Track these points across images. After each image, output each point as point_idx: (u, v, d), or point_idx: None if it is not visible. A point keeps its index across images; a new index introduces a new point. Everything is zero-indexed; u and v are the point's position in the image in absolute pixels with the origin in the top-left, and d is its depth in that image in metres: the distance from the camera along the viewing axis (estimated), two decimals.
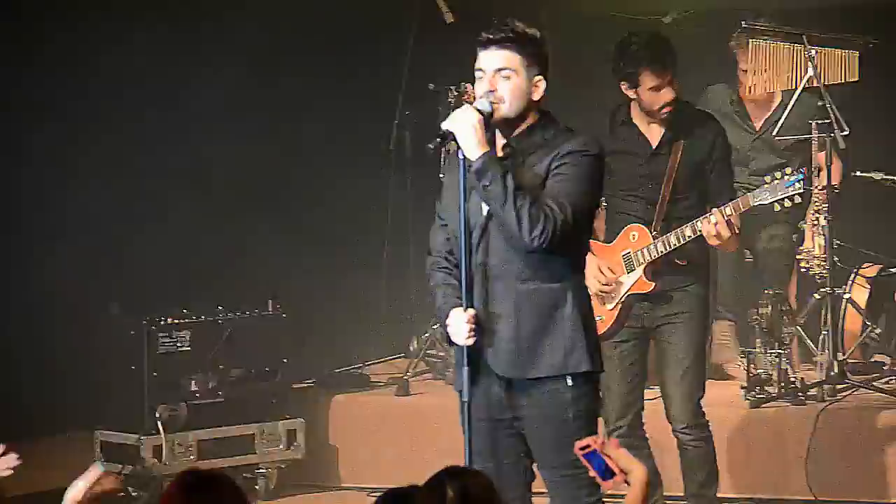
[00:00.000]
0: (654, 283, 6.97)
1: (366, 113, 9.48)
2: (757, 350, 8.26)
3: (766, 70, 8.55)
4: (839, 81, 8.52)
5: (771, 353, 8.20)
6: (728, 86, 8.82)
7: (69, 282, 8.80)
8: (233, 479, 3.87)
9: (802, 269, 8.46)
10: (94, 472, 4.52)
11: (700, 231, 6.90)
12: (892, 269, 8.49)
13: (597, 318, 6.82)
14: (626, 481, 4.33)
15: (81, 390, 8.52)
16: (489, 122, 5.65)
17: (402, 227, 9.16)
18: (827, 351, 8.23)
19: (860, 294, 8.56)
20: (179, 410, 8.26)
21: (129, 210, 9.02)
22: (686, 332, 7.06)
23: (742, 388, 8.23)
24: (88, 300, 8.66)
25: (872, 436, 7.94)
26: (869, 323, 8.56)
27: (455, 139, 5.63)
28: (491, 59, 5.67)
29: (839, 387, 8.17)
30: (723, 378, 8.67)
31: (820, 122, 8.21)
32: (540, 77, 5.69)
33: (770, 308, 8.28)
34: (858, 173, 8.40)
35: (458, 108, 5.74)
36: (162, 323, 8.28)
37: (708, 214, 6.90)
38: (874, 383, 8.31)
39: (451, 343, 5.76)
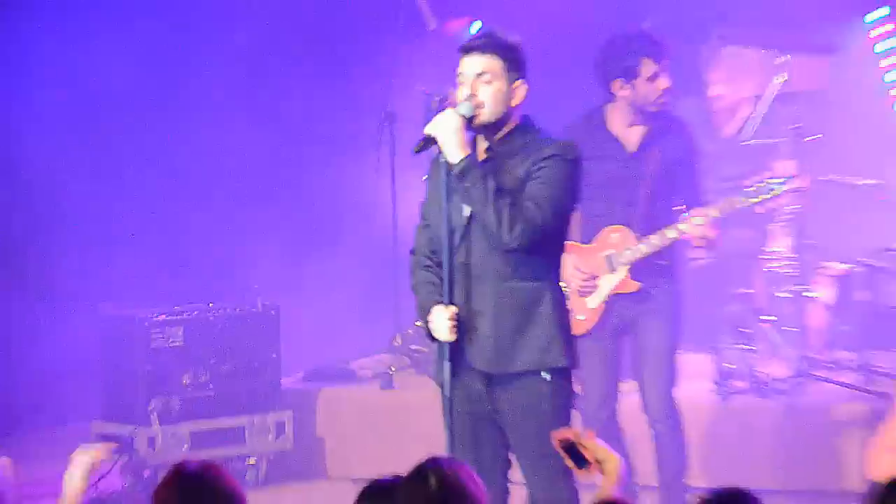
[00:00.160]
0: (640, 284, 6.96)
1: (355, 114, 9.46)
2: (726, 346, 8.26)
3: (737, 76, 8.55)
4: (809, 88, 8.52)
5: (740, 348, 8.22)
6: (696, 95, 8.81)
7: (66, 280, 8.77)
8: (226, 470, 3.84)
9: (770, 269, 8.46)
10: (83, 457, 4.47)
11: (683, 232, 6.90)
12: (855, 268, 8.48)
13: (580, 317, 6.90)
14: (600, 471, 4.32)
15: (79, 384, 8.49)
16: (470, 126, 5.64)
17: (387, 227, 9.14)
18: (793, 347, 8.24)
19: (825, 292, 8.56)
20: (172, 403, 8.24)
21: (126, 210, 8.99)
22: (662, 329, 7.07)
23: (711, 382, 8.22)
24: (85, 297, 8.63)
25: (836, 428, 7.94)
26: (833, 320, 8.56)
27: (438, 143, 5.62)
28: (472, 65, 5.66)
29: (804, 381, 8.17)
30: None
31: (790, 127, 8.21)
32: (519, 82, 5.68)
33: (738, 305, 8.29)
34: (825, 176, 8.39)
35: (440, 112, 5.71)
36: (155, 319, 8.25)
37: (691, 216, 6.90)
38: (837, 378, 8.30)
39: (433, 339, 5.75)
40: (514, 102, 5.68)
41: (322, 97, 9.37)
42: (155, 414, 8.17)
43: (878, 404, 7.86)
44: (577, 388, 5.88)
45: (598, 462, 4.29)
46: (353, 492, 4.08)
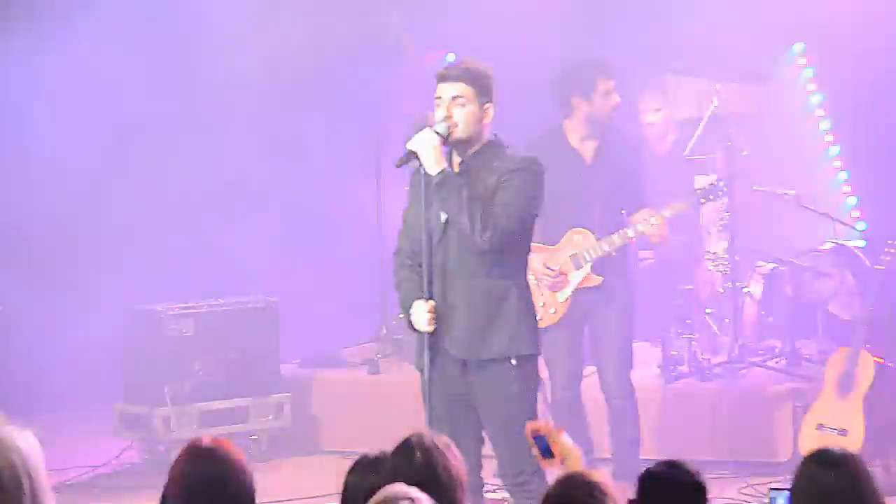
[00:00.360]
0: (601, 278, 6.96)
1: (347, 129, 9.41)
2: (671, 335, 8.24)
3: (672, 102, 8.57)
4: (740, 111, 8.52)
5: (683, 337, 8.19)
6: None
7: (93, 278, 8.71)
8: (234, 445, 3.81)
9: (709, 268, 8.43)
10: None
11: (641, 232, 6.92)
12: (783, 267, 8.46)
13: (552, 310, 6.91)
14: (562, 464, 4.24)
15: (102, 369, 8.43)
16: (446, 143, 5.62)
17: (374, 231, 9.10)
18: (729, 336, 8.22)
19: (757, 287, 8.53)
20: (185, 386, 8.19)
21: (146, 218, 8.92)
22: (618, 316, 7.07)
23: (658, 366, 8.19)
24: (109, 293, 8.57)
25: (766, 407, 7.92)
26: (763, 312, 8.54)
27: (418, 157, 5.60)
28: (447, 89, 5.65)
29: (739, 366, 8.14)
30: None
31: (723, 144, 8.20)
32: (489, 105, 5.68)
33: (682, 300, 8.28)
34: (756, 187, 8.37)
35: (420, 131, 5.69)
36: (170, 313, 8.20)
37: (647, 218, 6.90)
38: (767, 363, 8.28)
39: (414, 330, 5.72)
40: (484, 122, 5.70)
41: (318, 111, 9.31)
42: (169, 396, 8.12)
43: (803, 386, 7.84)
44: (542, 373, 5.86)
45: (563, 456, 4.23)
46: (344, 464, 4.03)
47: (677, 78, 8.74)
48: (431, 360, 5.62)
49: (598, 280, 6.98)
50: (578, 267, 6.99)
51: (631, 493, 3.59)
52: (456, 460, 3.90)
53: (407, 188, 5.96)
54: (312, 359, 9.05)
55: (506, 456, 5.69)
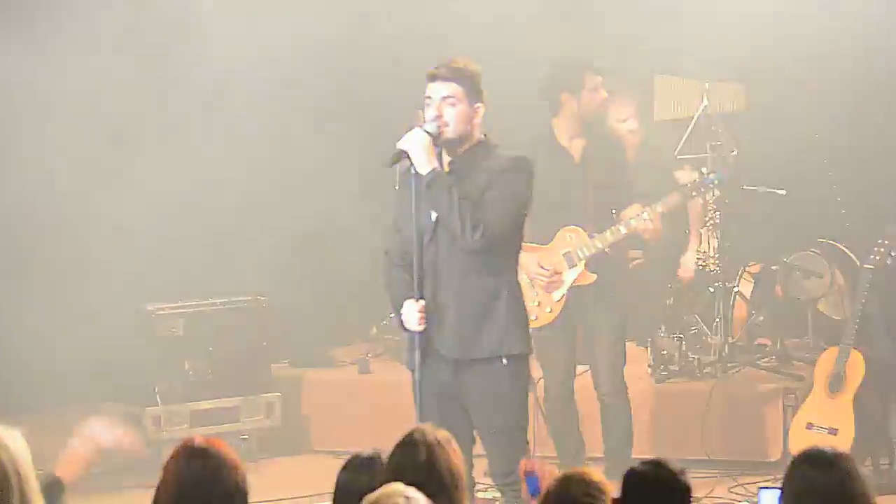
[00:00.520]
0: (595, 275, 6.96)
1: (340, 132, 9.41)
2: (662, 334, 8.24)
3: (671, 100, 8.55)
4: (729, 110, 8.52)
5: (673, 337, 8.20)
6: None
7: (84, 278, 8.70)
8: (226, 444, 3.81)
9: (699, 267, 8.43)
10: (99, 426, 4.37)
11: (633, 228, 6.91)
12: (773, 267, 8.47)
13: (548, 310, 6.91)
14: None
15: (93, 369, 8.42)
16: (437, 142, 5.62)
17: (365, 232, 9.10)
18: (719, 335, 8.23)
19: (746, 287, 8.54)
20: (175, 386, 8.18)
21: (135, 218, 8.91)
22: (611, 314, 7.06)
23: (649, 366, 8.20)
24: (100, 293, 8.56)
25: (756, 406, 7.92)
26: (753, 311, 8.55)
27: (408, 157, 5.59)
28: (438, 89, 5.66)
29: (729, 365, 8.15)
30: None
31: (713, 144, 8.20)
32: (479, 105, 5.68)
33: (672, 299, 8.28)
34: (746, 187, 8.38)
35: (410, 130, 5.68)
36: (160, 312, 8.19)
37: (639, 213, 6.90)
38: (757, 362, 8.29)
39: (404, 329, 5.72)
40: (474, 122, 5.69)
41: (308, 110, 9.30)
42: (159, 396, 8.11)
43: (793, 385, 7.85)
44: (533, 372, 5.86)
45: None
46: (335, 463, 4.03)
47: (666, 78, 8.74)
48: (422, 360, 5.61)
49: (592, 278, 6.98)
50: (572, 265, 6.99)
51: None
52: (457, 456, 3.92)
53: (397, 187, 5.96)
54: (303, 358, 9.04)
55: (496, 455, 5.69)
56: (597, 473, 3.60)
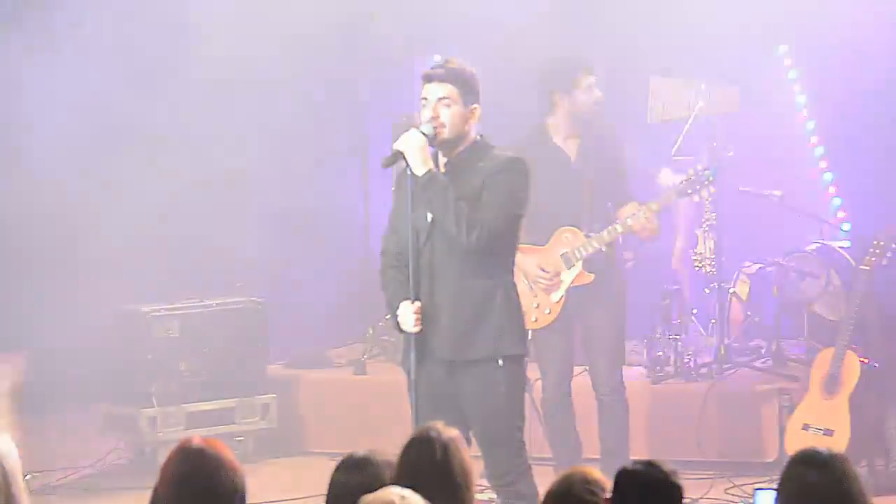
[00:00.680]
0: (593, 275, 6.96)
1: (334, 134, 9.41)
2: (657, 336, 8.24)
3: (665, 101, 8.56)
4: (724, 112, 8.53)
5: (669, 338, 8.20)
6: None
7: (79, 280, 8.70)
8: (224, 445, 3.82)
9: (695, 268, 8.44)
10: None
11: (630, 226, 6.91)
12: (768, 268, 8.47)
13: (547, 311, 6.91)
14: None
15: (89, 371, 8.42)
16: (432, 143, 5.62)
17: (361, 233, 9.09)
18: (715, 336, 8.23)
19: (743, 288, 8.54)
20: (171, 387, 8.18)
21: (129, 218, 8.90)
22: (610, 313, 7.06)
23: (644, 367, 8.20)
24: (95, 295, 8.56)
25: (752, 407, 7.92)
26: (749, 312, 8.55)
27: (404, 158, 5.59)
28: (434, 90, 5.65)
29: (725, 366, 8.15)
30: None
31: (709, 145, 8.21)
32: (475, 106, 5.68)
33: (669, 300, 8.28)
34: (742, 187, 8.38)
35: (406, 131, 5.69)
36: (155, 314, 8.19)
37: (636, 212, 6.90)
38: (753, 363, 8.30)
39: (400, 330, 5.72)
40: (470, 123, 5.68)
41: (304, 113, 9.30)
42: (156, 397, 8.10)
43: (789, 386, 7.85)
44: (529, 373, 5.86)
45: None
46: (330, 465, 4.03)
47: (663, 78, 8.74)
48: (418, 361, 5.61)
49: (590, 277, 6.97)
50: (570, 265, 6.98)
51: None
52: (467, 455, 3.93)
53: (393, 189, 5.96)
54: (299, 360, 9.04)
55: (493, 456, 5.69)
56: (597, 472, 3.63)
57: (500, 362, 5.63)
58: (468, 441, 5.73)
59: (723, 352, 8.14)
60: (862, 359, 7.30)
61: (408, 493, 3.53)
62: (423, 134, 5.59)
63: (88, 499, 7.80)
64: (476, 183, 5.62)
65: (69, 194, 8.78)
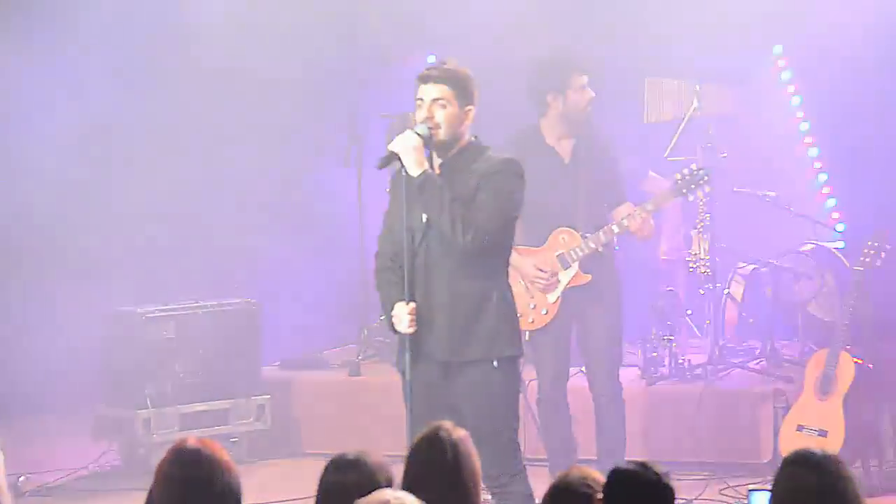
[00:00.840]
0: (590, 276, 6.96)
1: (329, 135, 9.41)
2: (652, 336, 8.25)
3: (660, 101, 8.57)
4: (719, 112, 8.55)
5: (664, 338, 8.20)
6: None
7: (74, 282, 8.70)
8: (219, 445, 3.82)
9: (690, 269, 8.45)
10: None
11: (626, 227, 6.91)
12: (763, 268, 8.48)
13: (544, 311, 6.91)
14: None
15: (83, 372, 8.42)
16: (427, 144, 5.62)
17: (355, 233, 9.10)
18: (710, 337, 8.24)
19: (737, 289, 8.56)
20: (165, 389, 8.17)
21: (122, 221, 8.91)
22: (606, 314, 7.06)
23: (639, 369, 8.20)
24: (90, 297, 8.56)
25: (746, 408, 7.93)
26: (744, 313, 8.56)
27: (399, 159, 5.59)
28: (429, 91, 5.65)
29: (719, 367, 8.16)
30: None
31: (704, 146, 8.22)
32: (470, 107, 5.68)
33: (663, 301, 8.29)
34: (737, 188, 8.40)
35: (401, 132, 5.69)
36: (150, 315, 8.19)
37: (631, 212, 6.91)
38: (748, 364, 8.30)
39: (395, 331, 5.71)
40: (465, 124, 5.68)
41: (299, 114, 9.31)
42: (150, 398, 8.10)
43: (784, 387, 7.86)
44: (524, 374, 5.85)
45: None
46: (324, 466, 4.03)
47: (658, 79, 8.76)
48: (413, 362, 5.61)
49: (586, 278, 6.98)
50: (566, 266, 6.99)
51: None
52: (475, 455, 3.93)
53: (388, 190, 5.96)
54: (293, 361, 9.04)
55: (487, 457, 5.63)
56: (595, 472, 3.68)
57: (495, 363, 5.63)
58: None
59: (717, 353, 8.15)
60: (856, 359, 7.31)
61: (402, 494, 3.54)
62: (418, 135, 5.60)
63: (83, 500, 7.80)
64: (471, 184, 5.62)
65: (64, 195, 8.78)
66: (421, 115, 5.65)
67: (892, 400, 7.52)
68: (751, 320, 8.56)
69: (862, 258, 7.36)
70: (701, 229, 8.30)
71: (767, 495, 3.70)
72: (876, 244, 7.32)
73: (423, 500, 3.60)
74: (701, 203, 8.17)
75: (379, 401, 8.17)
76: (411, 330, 5.60)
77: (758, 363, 8.32)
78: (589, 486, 3.60)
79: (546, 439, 7.20)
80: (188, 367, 8.27)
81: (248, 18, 9.02)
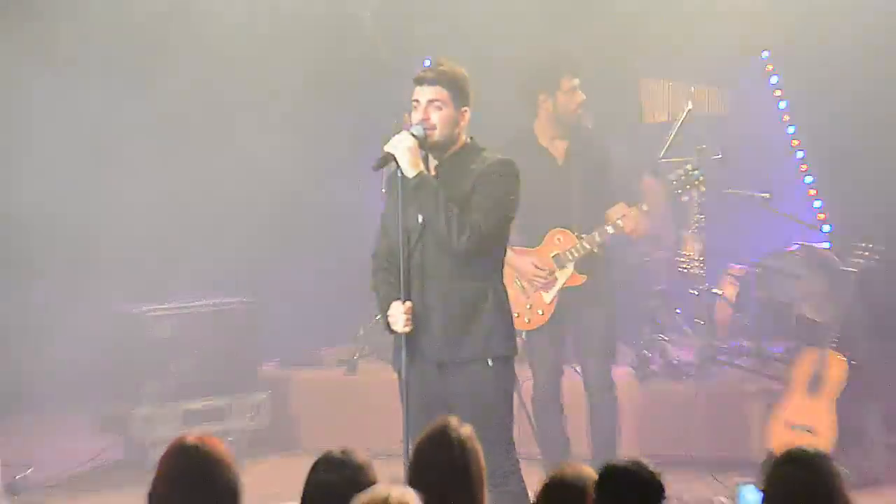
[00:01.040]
0: (585, 276, 6.96)
1: (326, 135, 9.41)
2: (644, 336, 8.26)
3: (656, 103, 8.57)
4: (713, 113, 8.55)
5: (655, 338, 8.21)
6: None
7: (74, 282, 8.70)
8: (219, 441, 3.82)
9: (682, 269, 8.45)
10: None
11: (620, 227, 6.91)
12: (755, 269, 8.49)
13: (539, 311, 6.90)
14: None
15: (84, 370, 8.42)
16: (423, 146, 5.61)
17: (352, 234, 9.10)
18: (701, 336, 8.24)
19: (729, 289, 8.56)
20: (165, 386, 8.17)
21: (122, 221, 8.90)
22: (601, 313, 7.07)
23: (631, 367, 8.21)
24: (89, 297, 8.55)
25: (737, 405, 7.94)
26: (735, 313, 8.56)
27: (395, 160, 5.59)
28: (425, 93, 5.65)
29: (711, 366, 8.16)
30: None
31: (697, 147, 8.21)
32: (466, 108, 5.67)
33: (655, 301, 8.30)
34: (729, 190, 8.40)
35: (397, 134, 5.68)
36: (150, 314, 8.19)
37: (626, 214, 6.91)
38: (738, 363, 8.31)
39: (391, 330, 5.71)
40: (461, 125, 5.67)
41: (298, 113, 9.30)
42: (149, 396, 8.10)
43: (772, 385, 7.88)
44: (519, 373, 5.85)
45: None
46: (311, 465, 4.02)
47: (652, 81, 8.76)
48: (408, 361, 5.61)
49: (582, 279, 6.98)
50: (562, 267, 7.00)
51: None
52: (482, 453, 3.93)
53: (384, 190, 5.96)
54: (291, 359, 9.04)
55: (483, 455, 5.68)
56: (588, 468, 3.70)
57: (490, 362, 5.64)
58: None
59: (709, 352, 8.15)
60: (843, 358, 7.31)
61: (399, 490, 3.54)
62: (414, 136, 5.59)
63: (85, 495, 7.80)
64: (466, 185, 5.62)
65: (65, 195, 8.77)
66: (417, 116, 5.65)
67: (880, 398, 7.53)
68: (743, 320, 8.56)
69: (852, 259, 7.36)
70: (694, 230, 8.30)
71: (755, 488, 3.71)
72: (866, 245, 7.33)
73: (431, 496, 3.60)
74: (695, 204, 8.18)
75: (375, 399, 8.18)
76: (407, 329, 5.60)
77: (749, 362, 8.33)
78: (582, 482, 3.62)
79: (540, 437, 7.21)
80: (188, 366, 8.28)
81: (253, 19, 9.01)
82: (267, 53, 9.01)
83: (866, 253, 7.32)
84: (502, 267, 5.77)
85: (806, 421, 7.29)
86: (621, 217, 6.93)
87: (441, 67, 5.69)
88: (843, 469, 3.75)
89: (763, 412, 7.78)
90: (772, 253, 8.42)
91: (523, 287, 6.96)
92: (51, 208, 8.78)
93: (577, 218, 7.00)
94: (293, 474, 7.77)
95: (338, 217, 9.32)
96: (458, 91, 5.66)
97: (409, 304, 5.60)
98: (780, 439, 7.25)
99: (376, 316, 8.62)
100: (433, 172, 5.66)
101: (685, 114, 8.36)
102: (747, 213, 8.61)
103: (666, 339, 8.23)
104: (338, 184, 9.23)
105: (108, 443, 8.23)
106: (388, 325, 5.69)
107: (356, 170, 9.03)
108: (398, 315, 5.61)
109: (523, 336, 6.98)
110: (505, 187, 5.65)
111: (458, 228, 5.52)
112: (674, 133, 8.36)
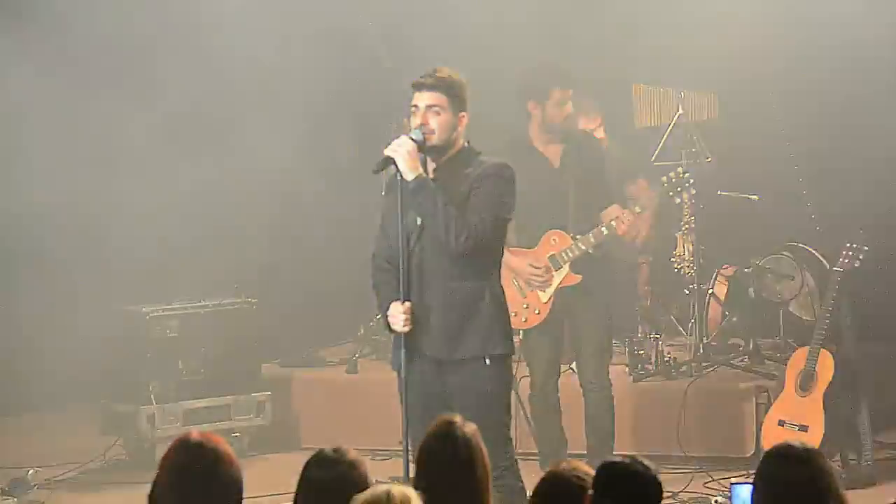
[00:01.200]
0: (580, 276, 6.97)
1: (325, 138, 9.41)
2: (639, 335, 8.26)
3: (647, 107, 8.57)
4: (703, 118, 8.54)
5: (650, 337, 8.21)
6: None
7: (81, 282, 8.69)
8: (221, 438, 3.82)
9: (675, 270, 8.45)
10: None
11: (615, 229, 6.93)
12: (746, 269, 8.49)
13: (536, 311, 6.91)
14: None
15: (90, 369, 8.41)
16: (422, 149, 5.62)
17: (353, 235, 9.10)
18: (694, 335, 8.25)
19: (721, 289, 8.57)
20: (169, 385, 8.17)
21: (127, 222, 8.90)
22: (597, 312, 7.07)
23: (626, 366, 8.21)
24: (96, 296, 8.55)
25: (730, 404, 7.94)
26: (727, 312, 8.57)
27: (394, 163, 5.60)
28: (423, 98, 5.67)
29: (704, 364, 8.17)
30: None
31: (688, 150, 8.22)
32: (463, 113, 5.69)
33: (649, 301, 8.29)
34: (721, 192, 8.41)
35: (396, 138, 5.69)
36: (154, 314, 8.18)
37: (620, 216, 6.92)
38: (731, 361, 8.31)
39: (390, 330, 5.72)
40: (458, 130, 5.69)
41: (300, 116, 9.29)
42: (154, 394, 8.10)
43: (766, 383, 7.87)
44: (517, 371, 5.86)
45: None
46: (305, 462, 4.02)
47: (644, 86, 8.76)
48: (408, 360, 5.62)
49: (577, 279, 7.00)
50: (557, 268, 7.01)
51: None
52: (486, 451, 3.93)
53: (384, 193, 5.97)
54: (292, 359, 9.04)
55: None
56: (584, 465, 3.71)
57: (487, 361, 5.64)
58: None
59: (702, 350, 8.16)
60: (830, 354, 7.32)
61: (399, 488, 3.53)
62: (413, 140, 5.61)
63: (90, 493, 7.80)
64: (464, 188, 5.64)
65: (69, 195, 8.77)
66: (416, 121, 5.67)
67: (870, 396, 7.53)
68: (734, 319, 8.56)
69: (841, 259, 7.37)
70: (686, 231, 8.31)
71: (750, 488, 3.70)
72: (855, 246, 7.33)
73: (436, 493, 3.60)
74: (686, 205, 8.18)
75: (375, 398, 8.17)
76: (406, 329, 5.61)
77: (741, 361, 8.33)
78: (579, 478, 3.62)
79: (537, 434, 7.21)
80: (191, 365, 8.28)
81: (262, 24, 9.01)
82: (271, 58, 9.01)
83: (851, 253, 7.32)
84: (500, 267, 5.79)
85: (798, 418, 7.30)
86: (615, 218, 6.96)
87: (440, 74, 5.71)
88: (835, 466, 3.76)
89: (756, 410, 7.78)
90: (762, 253, 8.42)
91: (520, 287, 6.97)
92: (56, 208, 8.78)
93: (572, 220, 7.02)
94: (294, 471, 7.79)
95: (338, 219, 9.32)
96: (455, 97, 5.68)
97: (408, 304, 5.61)
98: (772, 436, 7.25)
99: (376, 316, 8.66)
100: (432, 175, 5.67)
101: (675, 118, 8.37)
102: (738, 214, 8.60)
103: (660, 338, 8.22)
104: (338, 186, 9.23)
105: (114, 440, 8.22)
106: (387, 324, 5.70)
107: (357, 173, 9.06)
108: (398, 315, 5.62)
109: (520, 335, 6.98)
110: (501, 189, 5.67)
111: (456, 230, 5.53)
112: (665, 137, 8.37)
